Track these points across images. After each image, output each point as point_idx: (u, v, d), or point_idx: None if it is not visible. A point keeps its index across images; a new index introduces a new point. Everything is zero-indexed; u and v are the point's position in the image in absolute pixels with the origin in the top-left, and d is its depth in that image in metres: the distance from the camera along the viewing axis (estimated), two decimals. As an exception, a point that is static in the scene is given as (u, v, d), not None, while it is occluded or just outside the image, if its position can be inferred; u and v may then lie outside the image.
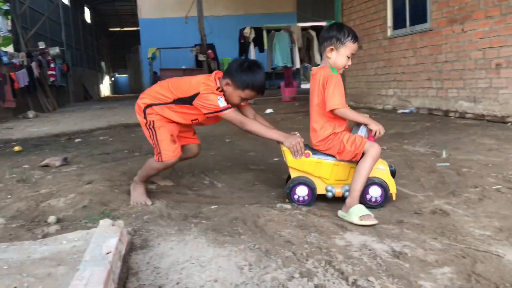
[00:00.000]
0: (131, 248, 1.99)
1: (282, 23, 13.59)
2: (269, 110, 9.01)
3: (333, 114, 2.53)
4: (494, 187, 2.75)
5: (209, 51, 14.61)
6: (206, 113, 2.69)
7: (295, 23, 15.67)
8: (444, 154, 3.72)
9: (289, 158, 2.59)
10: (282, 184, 3.19)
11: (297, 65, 12.32)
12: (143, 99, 2.84)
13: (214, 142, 5.26)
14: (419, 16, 7.28)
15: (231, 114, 2.65)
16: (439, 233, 2.05)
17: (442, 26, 6.68)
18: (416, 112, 7.38)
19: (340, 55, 2.56)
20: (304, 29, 12.61)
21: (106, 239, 1.70)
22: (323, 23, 14.52)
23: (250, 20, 15.84)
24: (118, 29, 34.61)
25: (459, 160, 3.52)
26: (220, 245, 1.98)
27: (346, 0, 9.71)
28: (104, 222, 1.88)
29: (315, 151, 2.60)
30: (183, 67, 17.03)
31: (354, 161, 2.54)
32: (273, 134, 2.64)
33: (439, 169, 3.29)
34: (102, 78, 31.20)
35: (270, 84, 18.28)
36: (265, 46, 12.30)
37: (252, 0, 20.49)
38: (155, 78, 17.70)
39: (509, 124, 5.41)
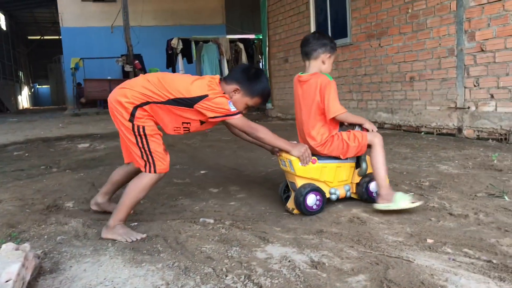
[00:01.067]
0: (39, 273, 1.85)
1: (211, 35, 13.61)
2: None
3: (334, 120, 2.63)
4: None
5: (136, 61, 14.26)
6: (212, 117, 2.38)
7: (224, 35, 15.76)
8: (363, 163, 3.88)
9: (297, 167, 2.57)
10: (207, 197, 3.15)
11: (226, 76, 12.39)
12: (126, 97, 2.34)
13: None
14: (341, 30, 7.61)
15: (242, 119, 2.46)
16: (356, 241, 2.12)
17: (361, 41, 7.03)
18: (339, 122, 7.65)
19: (330, 62, 2.69)
20: (232, 41, 12.74)
21: (6, 265, 1.56)
22: (251, 36, 14.76)
23: (178, 31, 15.72)
24: (38, 37, 32.73)
25: (376, 169, 3.67)
26: (137, 265, 1.90)
27: (271, 14, 9.93)
28: (6, 246, 1.73)
29: (319, 156, 2.65)
30: (109, 77, 16.49)
31: (353, 161, 2.72)
32: (281, 143, 2.58)
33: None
34: (21, 89, 29.29)
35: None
36: (194, 58, 12.27)
37: (181, 11, 20.31)
38: (79, 90, 16.92)
39: (422, 133, 5.79)
